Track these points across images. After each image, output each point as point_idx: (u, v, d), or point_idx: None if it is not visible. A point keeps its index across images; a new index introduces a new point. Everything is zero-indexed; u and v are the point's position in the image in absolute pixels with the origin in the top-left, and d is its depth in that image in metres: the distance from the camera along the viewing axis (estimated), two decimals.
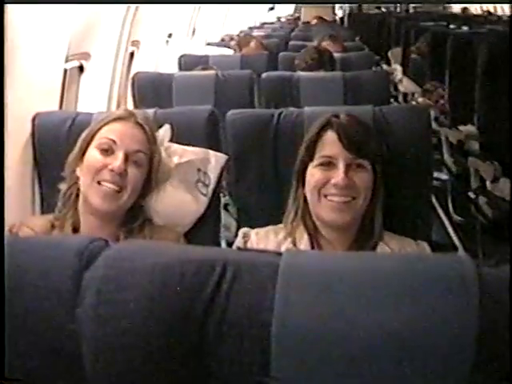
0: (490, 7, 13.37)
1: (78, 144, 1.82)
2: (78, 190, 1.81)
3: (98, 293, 0.80)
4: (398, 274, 0.76)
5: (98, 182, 1.74)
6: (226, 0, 6.95)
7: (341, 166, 1.68)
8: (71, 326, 0.81)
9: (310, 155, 1.76)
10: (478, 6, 14.88)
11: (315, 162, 1.74)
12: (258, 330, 0.75)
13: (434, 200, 4.37)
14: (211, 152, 2.04)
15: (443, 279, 0.75)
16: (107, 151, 1.76)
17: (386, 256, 0.95)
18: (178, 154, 1.99)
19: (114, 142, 1.77)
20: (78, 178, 1.80)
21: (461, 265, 0.76)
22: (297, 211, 1.79)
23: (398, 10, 14.76)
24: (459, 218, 4.30)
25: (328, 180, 1.69)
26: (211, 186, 2.02)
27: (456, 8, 15.47)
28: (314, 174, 1.73)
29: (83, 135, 1.83)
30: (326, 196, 1.70)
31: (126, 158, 1.76)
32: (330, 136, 1.74)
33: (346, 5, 18.28)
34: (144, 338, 0.77)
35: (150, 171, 1.83)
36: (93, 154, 1.77)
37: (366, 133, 1.76)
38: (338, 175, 1.68)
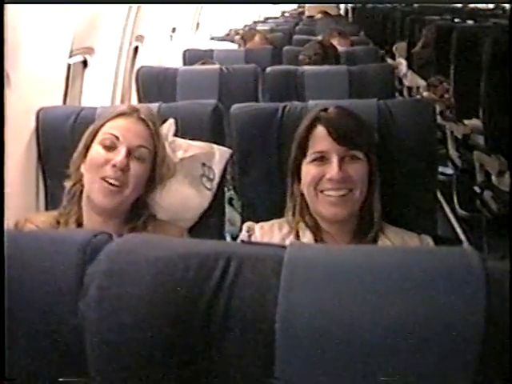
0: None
1: (83, 141, 1.82)
2: (83, 187, 1.81)
3: (100, 287, 0.79)
4: (403, 267, 0.76)
5: (101, 178, 1.74)
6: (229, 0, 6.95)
7: (334, 160, 1.67)
8: (74, 321, 0.81)
9: (302, 152, 1.75)
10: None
11: (308, 158, 1.73)
12: (262, 323, 0.75)
13: (439, 194, 4.37)
14: (215, 146, 2.04)
15: (449, 272, 0.74)
16: (110, 147, 1.76)
17: (391, 249, 0.95)
18: (183, 149, 1.99)
19: (116, 137, 1.76)
20: (82, 176, 1.80)
21: (467, 258, 0.76)
22: (295, 208, 1.78)
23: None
24: (464, 213, 4.29)
25: (323, 175, 1.68)
26: (216, 181, 2.02)
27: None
28: (308, 170, 1.72)
29: (87, 132, 1.83)
30: (322, 191, 1.69)
31: (129, 153, 1.75)
32: (320, 131, 1.73)
33: None
34: (147, 333, 0.77)
35: (153, 167, 1.83)
36: (96, 150, 1.77)
37: (357, 124, 1.75)
38: (333, 170, 1.67)
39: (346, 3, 16.65)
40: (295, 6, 17.71)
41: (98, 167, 1.74)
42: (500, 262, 0.79)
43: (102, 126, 1.80)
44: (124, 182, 1.75)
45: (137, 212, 1.84)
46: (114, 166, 1.73)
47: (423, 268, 0.75)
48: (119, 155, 1.74)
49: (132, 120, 1.81)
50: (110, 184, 1.73)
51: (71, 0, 2.43)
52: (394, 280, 0.74)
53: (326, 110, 1.77)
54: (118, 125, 1.80)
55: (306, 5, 16.03)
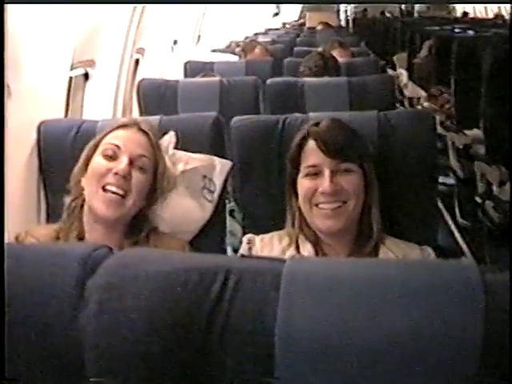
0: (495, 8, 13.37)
1: (83, 155, 1.83)
2: (83, 201, 1.81)
3: (99, 301, 0.80)
4: (401, 281, 0.76)
5: (103, 188, 1.73)
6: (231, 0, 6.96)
7: (326, 174, 1.69)
8: (74, 334, 0.81)
9: (296, 167, 1.77)
10: (483, 9, 14.90)
11: (302, 172, 1.75)
12: (262, 337, 0.75)
13: (440, 205, 4.38)
14: (216, 158, 2.04)
15: (448, 285, 0.74)
16: (111, 157, 1.76)
17: (389, 262, 0.95)
18: (183, 161, 2.00)
19: (118, 147, 1.77)
20: (82, 190, 1.80)
21: (465, 270, 0.76)
22: (294, 220, 1.79)
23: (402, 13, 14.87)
24: (466, 223, 4.29)
25: (316, 189, 1.70)
26: (216, 193, 2.02)
27: (460, 12, 15.54)
28: (302, 184, 1.74)
29: (88, 146, 1.83)
30: (316, 205, 1.71)
31: (131, 162, 1.76)
32: (311, 145, 1.74)
33: (350, 9, 18.34)
34: (146, 347, 0.77)
35: (154, 179, 1.83)
36: (97, 161, 1.78)
37: (348, 136, 1.76)
38: (325, 183, 1.68)
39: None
40: (296, 17, 17.80)
41: (99, 177, 1.74)
42: (499, 273, 0.79)
43: (103, 138, 1.81)
44: (126, 190, 1.75)
45: (138, 225, 1.84)
46: (116, 173, 1.73)
47: (421, 281, 0.76)
48: (121, 163, 1.74)
49: (133, 131, 1.82)
50: (112, 192, 1.73)
51: (72, 0, 2.44)
52: (392, 293, 0.74)
53: (317, 124, 1.78)
54: (119, 135, 1.81)
55: (307, 16, 16.11)
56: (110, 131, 1.82)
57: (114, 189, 1.73)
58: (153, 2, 3.84)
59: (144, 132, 1.83)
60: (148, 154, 1.81)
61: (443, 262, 0.83)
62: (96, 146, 1.81)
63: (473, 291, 0.73)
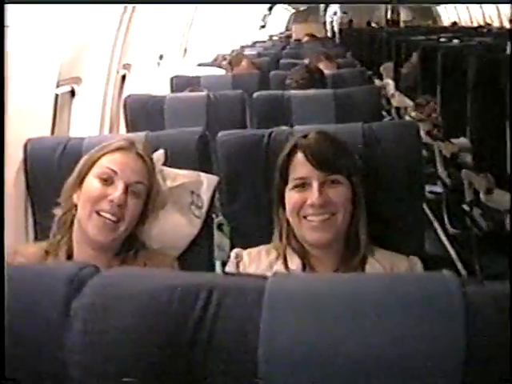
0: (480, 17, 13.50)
1: (77, 170, 1.82)
2: (74, 216, 1.81)
3: (84, 321, 0.80)
4: (383, 296, 0.76)
5: (97, 213, 1.74)
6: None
7: (314, 186, 1.69)
8: (60, 354, 0.81)
9: (284, 179, 1.77)
10: (468, 19, 15.04)
11: (290, 184, 1.75)
12: (245, 354, 0.75)
13: (429, 213, 4.40)
14: (202, 174, 2.04)
15: (429, 299, 0.75)
16: (107, 181, 1.76)
17: (371, 277, 0.96)
18: (171, 178, 2.00)
19: (114, 172, 1.76)
20: (74, 205, 1.80)
21: (446, 284, 0.77)
22: (281, 233, 1.80)
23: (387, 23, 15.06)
24: (455, 231, 4.31)
25: (304, 201, 1.70)
26: (204, 208, 2.03)
27: (446, 22, 15.73)
28: (290, 197, 1.74)
29: (82, 162, 1.82)
30: (305, 217, 1.71)
31: (126, 189, 1.76)
32: (299, 157, 1.75)
33: (336, 20, 18.49)
34: (131, 366, 0.77)
35: (147, 201, 1.83)
36: (92, 183, 1.77)
37: (336, 148, 1.76)
38: (313, 195, 1.69)
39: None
40: (283, 29, 17.89)
41: (94, 201, 1.74)
42: (480, 285, 0.80)
43: (99, 158, 1.80)
44: (120, 217, 1.75)
45: (128, 245, 1.84)
46: (111, 201, 1.73)
47: (402, 295, 0.76)
48: (117, 191, 1.74)
49: (130, 155, 1.81)
50: (106, 218, 1.73)
51: (71, 0, 2.45)
52: (373, 309, 0.74)
53: (305, 136, 1.79)
54: (115, 159, 1.79)
55: (293, 28, 16.20)
56: (107, 153, 1.81)
57: (108, 215, 1.73)
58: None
59: (141, 157, 1.82)
60: (144, 180, 1.81)
61: (423, 276, 0.84)
62: (91, 165, 1.80)
63: (453, 305, 0.74)
